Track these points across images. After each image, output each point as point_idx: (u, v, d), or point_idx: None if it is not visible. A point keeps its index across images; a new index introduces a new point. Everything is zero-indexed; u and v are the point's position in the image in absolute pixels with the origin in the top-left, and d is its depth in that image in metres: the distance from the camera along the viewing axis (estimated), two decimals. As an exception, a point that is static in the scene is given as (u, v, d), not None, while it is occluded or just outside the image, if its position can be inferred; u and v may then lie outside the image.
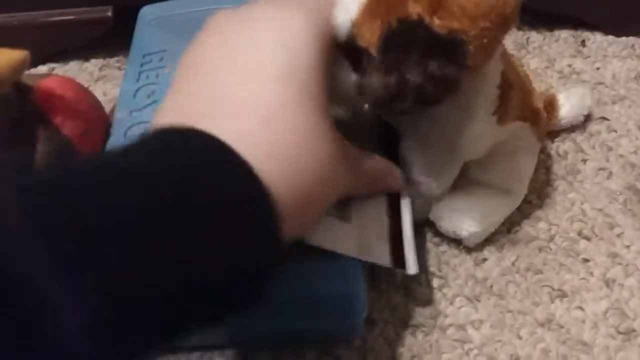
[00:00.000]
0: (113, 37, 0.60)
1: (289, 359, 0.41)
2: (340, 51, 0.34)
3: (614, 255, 0.47)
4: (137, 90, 0.47)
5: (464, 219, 0.44)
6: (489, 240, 0.47)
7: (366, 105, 0.40)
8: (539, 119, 0.45)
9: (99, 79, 0.61)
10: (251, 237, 0.25)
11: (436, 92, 0.32)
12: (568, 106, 0.54)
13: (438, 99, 0.33)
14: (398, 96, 0.32)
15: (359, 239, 0.38)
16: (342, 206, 0.38)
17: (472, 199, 0.45)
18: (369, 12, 0.31)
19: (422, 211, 0.46)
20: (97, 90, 0.59)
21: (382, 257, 0.38)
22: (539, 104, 0.45)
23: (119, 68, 0.62)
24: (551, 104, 0.52)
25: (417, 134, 0.41)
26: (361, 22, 0.31)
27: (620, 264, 0.46)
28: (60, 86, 0.45)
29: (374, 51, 0.32)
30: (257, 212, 0.25)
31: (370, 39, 0.31)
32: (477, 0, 0.30)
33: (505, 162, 0.44)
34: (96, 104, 0.49)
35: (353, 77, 0.34)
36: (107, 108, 0.52)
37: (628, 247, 0.47)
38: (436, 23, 0.30)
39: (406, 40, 0.31)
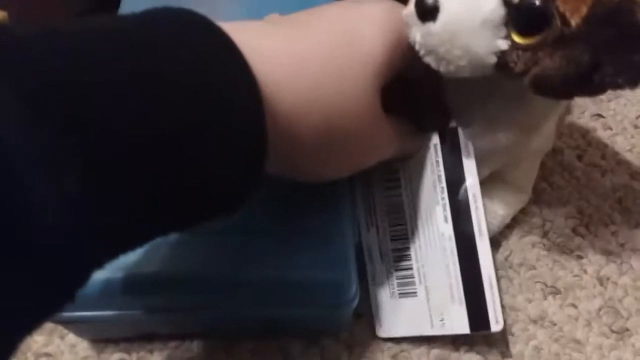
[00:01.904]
0: (99, 10, 0.58)
1: (272, 350, 0.39)
2: (506, 6, 0.29)
3: (609, 253, 0.46)
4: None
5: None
6: (482, 234, 0.45)
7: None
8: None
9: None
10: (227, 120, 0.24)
11: (621, 84, 0.28)
12: None
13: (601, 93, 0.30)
14: (571, 81, 0.28)
15: (429, 310, 0.38)
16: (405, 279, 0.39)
17: (490, 196, 0.43)
18: None
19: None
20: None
21: (458, 323, 0.37)
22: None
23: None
24: None
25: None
26: None
27: (614, 262, 0.45)
28: None
29: (576, 21, 0.27)
30: (236, 95, 0.24)
31: (578, 7, 0.26)
32: None
33: (530, 162, 0.42)
34: None
35: (499, 43, 0.29)
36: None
37: (622, 245, 0.46)
38: None
39: (625, 20, 0.26)
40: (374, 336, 0.41)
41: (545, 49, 0.28)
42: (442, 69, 0.32)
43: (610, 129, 0.55)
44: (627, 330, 0.42)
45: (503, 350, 0.40)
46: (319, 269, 0.34)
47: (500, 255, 0.45)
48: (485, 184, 0.43)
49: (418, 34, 0.31)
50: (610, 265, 0.45)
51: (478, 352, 0.40)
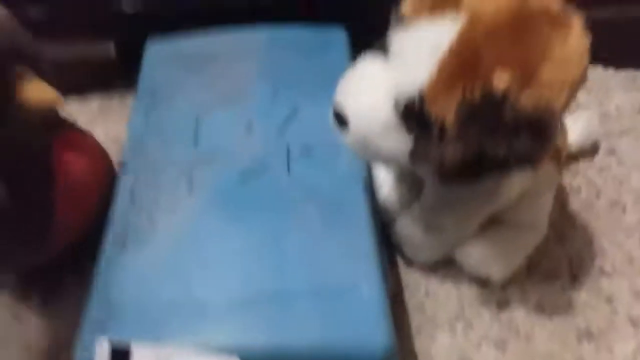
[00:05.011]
0: (114, 71, 0.59)
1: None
2: (397, 113, 0.32)
3: (637, 293, 0.45)
4: (146, 129, 0.46)
5: (493, 258, 0.43)
6: (511, 280, 0.45)
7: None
8: (560, 155, 0.44)
9: (100, 115, 0.59)
10: None
11: (516, 167, 0.30)
12: (577, 131, 0.53)
13: (512, 172, 0.31)
14: (471, 169, 0.30)
15: None
16: None
17: (499, 238, 0.44)
18: (444, 84, 0.29)
19: (445, 250, 0.45)
20: (98, 129, 0.57)
21: None
22: (560, 140, 0.45)
23: (121, 104, 0.60)
24: (561, 129, 0.52)
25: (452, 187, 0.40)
26: (435, 92, 0.29)
27: (643, 301, 0.45)
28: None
29: (449, 124, 0.29)
30: None
31: (445, 111, 0.29)
32: (564, 72, 0.29)
33: (530, 200, 0.43)
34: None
35: (408, 141, 0.32)
36: (111, 148, 0.50)
37: (650, 283, 0.46)
38: (525, 97, 0.28)
39: (491, 116, 0.29)
40: (412, 392, 0.40)
41: (440, 144, 0.31)
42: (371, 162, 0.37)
43: (625, 164, 0.55)
44: (665, 371, 0.41)
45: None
46: (350, 331, 0.34)
47: (531, 301, 0.45)
48: (491, 228, 0.44)
49: (342, 137, 0.35)
50: (639, 304, 0.45)
51: (518, 403, 0.40)
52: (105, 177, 0.44)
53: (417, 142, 0.32)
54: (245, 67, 0.49)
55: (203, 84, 0.48)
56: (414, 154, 0.33)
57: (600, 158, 0.56)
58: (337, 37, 0.52)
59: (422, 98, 0.30)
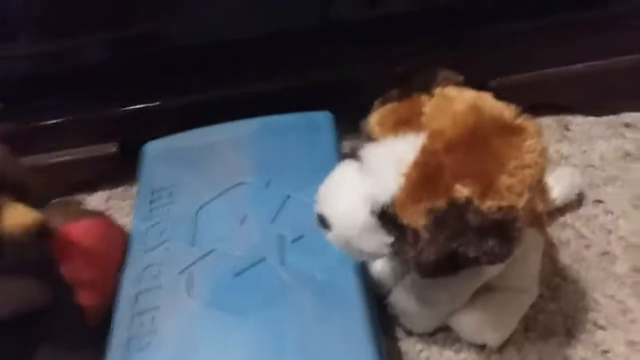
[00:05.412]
0: (117, 168, 0.63)
1: None
2: (374, 217, 0.35)
3: (632, 344, 0.47)
4: (148, 229, 0.49)
5: (487, 325, 0.45)
6: (509, 341, 0.47)
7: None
8: (542, 220, 0.46)
9: (105, 210, 0.63)
10: None
11: (487, 263, 0.33)
12: (559, 187, 0.56)
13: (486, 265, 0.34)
14: (447, 267, 0.33)
15: None
16: None
17: (491, 305, 0.45)
18: (411, 195, 0.32)
19: (441, 320, 0.47)
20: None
21: None
22: (540, 206, 0.47)
23: (124, 198, 0.63)
24: (541, 190, 0.54)
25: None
26: (404, 203, 0.33)
27: (639, 351, 0.46)
28: (79, 233, 0.45)
29: (422, 230, 0.33)
30: None
31: (416, 219, 0.33)
32: (521, 177, 0.32)
33: (518, 265, 0.45)
34: (115, 248, 0.49)
35: (387, 239, 0.36)
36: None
37: (644, 332, 0.48)
38: (487, 204, 0.31)
39: (457, 223, 0.32)
40: None
41: (415, 246, 0.34)
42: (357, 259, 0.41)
43: (612, 212, 0.57)
44: (665, 423, 0.42)
45: None
46: None
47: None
48: (483, 295, 0.46)
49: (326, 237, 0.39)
50: (635, 355, 0.46)
51: None
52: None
53: (395, 242, 0.35)
54: (238, 159, 0.53)
55: (199, 179, 0.52)
56: (394, 252, 0.36)
57: (587, 209, 0.58)
58: (324, 122, 0.56)
59: (394, 206, 0.33)
